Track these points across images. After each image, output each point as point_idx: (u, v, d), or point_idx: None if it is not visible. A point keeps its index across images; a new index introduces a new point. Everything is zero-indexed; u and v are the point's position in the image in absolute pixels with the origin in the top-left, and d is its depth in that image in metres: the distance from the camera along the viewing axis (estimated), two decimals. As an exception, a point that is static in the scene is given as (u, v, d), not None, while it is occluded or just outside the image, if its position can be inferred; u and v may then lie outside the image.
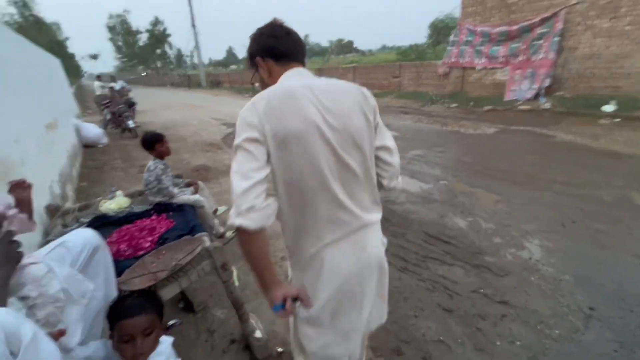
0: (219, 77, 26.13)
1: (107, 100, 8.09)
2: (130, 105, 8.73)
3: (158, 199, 2.43)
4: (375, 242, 1.03)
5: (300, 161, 0.86)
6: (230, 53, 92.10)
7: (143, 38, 47.56)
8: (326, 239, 0.94)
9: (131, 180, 4.75)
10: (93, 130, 7.01)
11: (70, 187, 3.83)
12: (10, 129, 2.30)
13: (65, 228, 2.23)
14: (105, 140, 7.16)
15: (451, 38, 9.59)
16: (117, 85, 11.12)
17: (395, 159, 1.08)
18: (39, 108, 3.62)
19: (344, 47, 73.25)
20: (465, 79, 9.33)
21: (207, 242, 1.81)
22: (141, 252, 1.86)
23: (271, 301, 0.89)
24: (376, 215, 1.03)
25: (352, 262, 0.97)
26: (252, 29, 1.01)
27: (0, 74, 2.65)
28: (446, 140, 5.70)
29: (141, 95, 20.30)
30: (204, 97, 17.65)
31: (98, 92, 10.70)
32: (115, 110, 7.73)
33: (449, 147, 5.21)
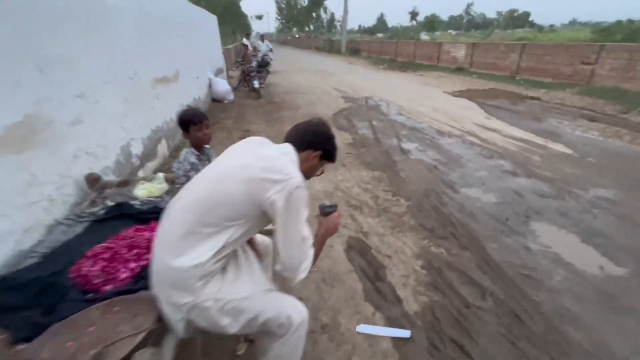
0: (359, 45, 25.31)
1: (241, 59, 8.39)
2: (263, 65, 8.91)
3: (189, 197, 1.87)
4: (163, 284, 1.02)
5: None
6: (381, 20, 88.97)
7: (303, 2, 50.53)
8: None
9: (231, 144, 4.59)
10: (222, 85, 7.38)
11: (166, 144, 3.84)
12: (72, 84, 2.06)
13: (93, 207, 1.92)
14: (231, 97, 7.48)
15: None
16: (263, 45, 11.66)
17: (283, 254, 1.02)
18: (152, 61, 3.59)
19: (517, 19, 60.29)
20: None
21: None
22: (107, 288, 1.30)
23: None
24: (180, 261, 0.98)
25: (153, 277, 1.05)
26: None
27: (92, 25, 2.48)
28: (666, 180, 3.41)
29: (284, 56, 21.59)
30: (338, 64, 17.29)
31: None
32: (246, 69, 7.95)
33: (673, 197, 3.04)
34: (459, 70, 12.85)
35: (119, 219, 1.77)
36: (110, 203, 1.89)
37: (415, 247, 2.37)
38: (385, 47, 20.82)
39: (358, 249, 2.35)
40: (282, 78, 11.53)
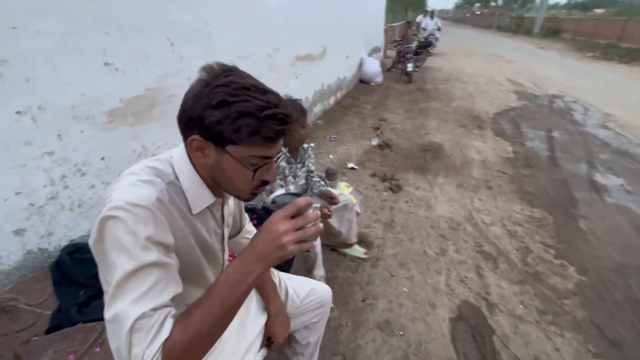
0: (560, 24, 19.63)
1: (400, 38, 7.67)
2: (424, 46, 7.94)
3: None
4: None
5: None
6: (606, -9, 66.57)
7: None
8: None
9: (361, 133, 4.25)
10: (373, 66, 6.97)
11: (295, 124, 3.82)
12: (202, 59, 2.07)
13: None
14: (379, 79, 7.02)
15: None
16: (431, 23, 10.48)
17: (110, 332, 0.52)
18: (296, 37, 3.52)
19: None
20: None
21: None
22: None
23: None
24: None
25: None
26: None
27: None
28: None
29: (454, 37, 19.08)
30: (523, 49, 13.95)
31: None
32: (402, 49, 7.23)
33: None
34: None
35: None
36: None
37: (575, 364, 1.44)
38: (603, 27, 15.36)
39: (472, 327, 1.62)
40: (445, 62, 10.15)
